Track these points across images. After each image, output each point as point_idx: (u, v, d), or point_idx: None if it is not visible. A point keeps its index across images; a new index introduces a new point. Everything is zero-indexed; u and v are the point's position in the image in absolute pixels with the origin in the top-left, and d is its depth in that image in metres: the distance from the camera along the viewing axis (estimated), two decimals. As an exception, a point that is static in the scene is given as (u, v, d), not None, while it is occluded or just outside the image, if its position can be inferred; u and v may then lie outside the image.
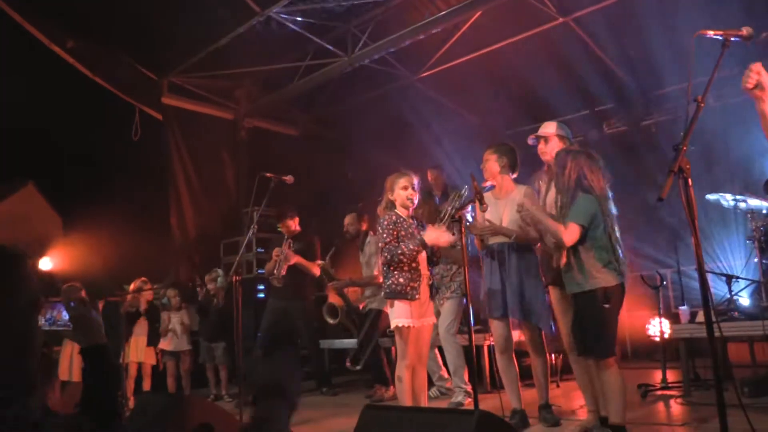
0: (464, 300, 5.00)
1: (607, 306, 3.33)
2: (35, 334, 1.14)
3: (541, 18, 7.10)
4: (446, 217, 4.36)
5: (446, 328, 5.30)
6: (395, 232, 3.85)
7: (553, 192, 3.78)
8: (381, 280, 4.53)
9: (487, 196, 4.14)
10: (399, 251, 3.78)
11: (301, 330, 6.39)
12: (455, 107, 9.04)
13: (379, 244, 3.89)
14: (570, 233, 3.42)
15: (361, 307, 6.39)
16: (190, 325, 7.10)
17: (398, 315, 3.82)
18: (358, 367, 5.94)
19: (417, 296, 3.80)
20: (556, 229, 3.51)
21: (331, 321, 6.33)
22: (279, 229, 6.46)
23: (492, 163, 4.23)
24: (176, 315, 7.01)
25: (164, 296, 7.10)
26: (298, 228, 6.39)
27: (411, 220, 3.96)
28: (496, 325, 4.21)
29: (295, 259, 6.08)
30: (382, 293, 4.01)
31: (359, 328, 6.27)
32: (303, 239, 6.35)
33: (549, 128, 4.08)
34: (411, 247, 3.78)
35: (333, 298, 6.57)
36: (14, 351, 1.08)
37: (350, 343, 6.73)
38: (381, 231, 3.87)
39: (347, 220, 6.24)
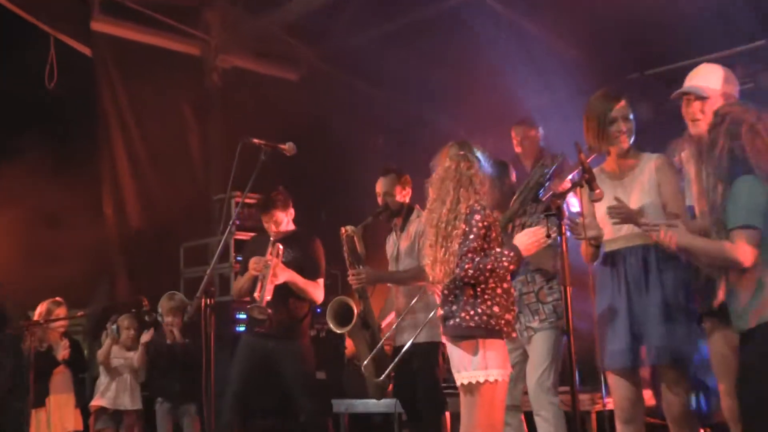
0: (564, 336, 4.98)
1: None
2: None
3: None
4: (518, 205, 4.56)
5: (538, 381, 5.13)
6: (483, 231, 4.00)
7: (699, 182, 3.86)
8: (424, 280, 4.57)
9: (596, 174, 4.13)
10: (489, 265, 3.91)
11: (295, 387, 6.29)
12: (547, 36, 8.75)
13: (464, 248, 3.97)
14: (744, 247, 3.40)
15: (387, 338, 6.19)
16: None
17: (492, 363, 3.93)
18: None
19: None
20: (718, 249, 3.52)
21: (336, 328, 6.13)
22: (264, 224, 6.43)
23: (626, 121, 4.26)
24: (126, 356, 7.08)
25: (114, 323, 7.17)
26: (291, 225, 6.38)
27: None
28: (617, 380, 4.19)
29: (287, 276, 6.08)
30: (457, 326, 4.01)
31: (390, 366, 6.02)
32: (299, 242, 6.33)
33: (709, 79, 4.00)
34: (506, 261, 3.93)
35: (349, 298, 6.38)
36: None
37: (383, 405, 6.72)
38: (468, 228, 4.00)
39: (382, 185, 6.18)
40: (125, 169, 9.00)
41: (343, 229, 6.03)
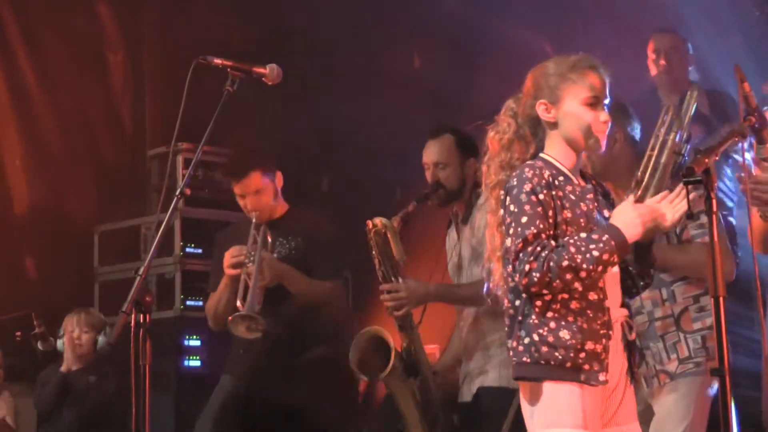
0: (713, 384, 4.45)
1: None
2: None
3: None
4: (657, 162, 4.06)
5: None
6: (550, 210, 3.38)
7: None
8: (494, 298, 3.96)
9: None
10: (564, 261, 3.23)
11: None
12: None
13: (508, 239, 3.37)
14: None
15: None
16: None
17: (559, 418, 3.29)
18: None
19: (604, 376, 3.27)
20: None
21: (364, 377, 5.72)
22: (238, 199, 5.95)
23: None
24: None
25: None
26: (282, 202, 5.95)
27: (581, 181, 3.56)
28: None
29: (283, 274, 5.61)
30: (513, 363, 3.45)
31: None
32: (300, 226, 5.92)
33: None
34: (596, 251, 3.27)
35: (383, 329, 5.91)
36: None
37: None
38: (512, 204, 3.43)
39: (431, 153, 5.81)
40: (5, 111, 7.98)
41: (369, 223, 5.57)
